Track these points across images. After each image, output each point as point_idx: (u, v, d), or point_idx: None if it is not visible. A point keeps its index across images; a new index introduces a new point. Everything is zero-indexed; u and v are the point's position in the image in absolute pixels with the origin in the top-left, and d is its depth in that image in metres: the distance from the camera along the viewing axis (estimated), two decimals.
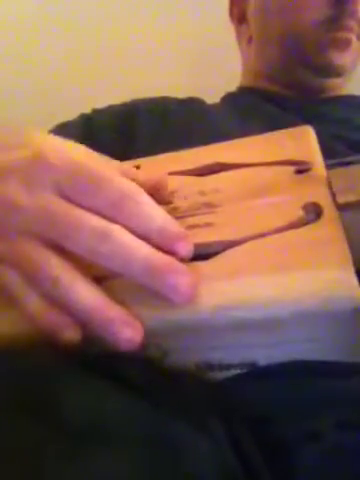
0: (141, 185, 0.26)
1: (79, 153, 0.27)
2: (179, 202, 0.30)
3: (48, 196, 0.25)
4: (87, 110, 0.59)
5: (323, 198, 0.27)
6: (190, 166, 0.33)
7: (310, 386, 0.28)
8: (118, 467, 0.20)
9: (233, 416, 0.26)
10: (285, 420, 0.26)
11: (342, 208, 0.26)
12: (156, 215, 0.25)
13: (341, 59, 0.56)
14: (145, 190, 0.26)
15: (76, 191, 0.25)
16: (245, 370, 0.27)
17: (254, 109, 0.57)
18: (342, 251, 0.24)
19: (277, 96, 0.59)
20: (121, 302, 0.25)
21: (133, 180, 0.26)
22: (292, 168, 0.30)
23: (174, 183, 0.32)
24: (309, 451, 0.25)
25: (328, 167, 0.29)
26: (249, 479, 0.23)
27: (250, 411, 0.27)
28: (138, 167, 0.35)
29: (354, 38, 0.56)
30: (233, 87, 0.66)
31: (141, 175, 0.29)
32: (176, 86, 0.67)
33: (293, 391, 0.28)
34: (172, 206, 0.30)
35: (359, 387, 0.28)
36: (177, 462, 0.21)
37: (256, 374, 0.27)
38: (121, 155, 0.36)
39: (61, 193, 0.25)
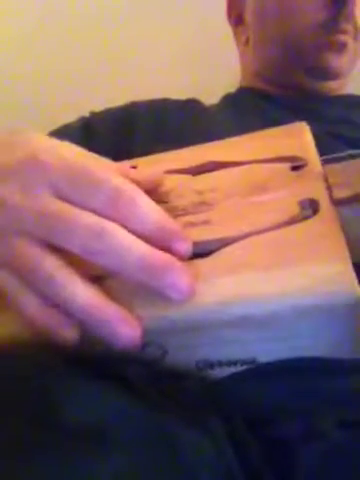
0: (137, 184, 0.26)
1: (74, 153, 0.27)
2: (176, 201, 0.30)
3: (43, 196, 0.25)
4: (87, 111, 0.59)
5: (319, 194, 0.27)
6: (186, 165, 0.33)
7: (311, 385, 0.28)
8: (118, 467, 0.20)
9: (233, 416, 0.26)
10: (286, 419, 0.26)
11: (338, 203, 0.26)
12: (153, 214, 0.25)
13: (338, 62, 0.56)
14: (142, 189, 0.26)
15: (72, 191, 0.25)
16: (245, 367, 0.27)
17: (253, 109, 0.57)
18: (340, 246, 0.24)
19: (276, 96, 0.59)
20: (120, 301, 0.25)
21: (130, 179, 0.26)
22: (288, 164, 0.30)
23: (170, 182, 0.32)
24: (310, 450, 0.25)
25: (324, 163, 0.29)
26: (249, 479, 0.23)
27: (251, 410, 0.27)
28: (134, 167, 0.35)
29: (350, 41, 0.56)
30: (233, 87, 0.66)
31: (137, 174, 0.29)
32: (176, 86, 0.67)
33: (294, 390, 0.28)
34: (169, 205, 0.30)
35: None
36: (177, 462, 0.21)
37: (256, 372, 0.27)
38: (120, 158, 0.37)
39: (57, 193, 0.25)
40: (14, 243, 0.25)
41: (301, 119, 0.34)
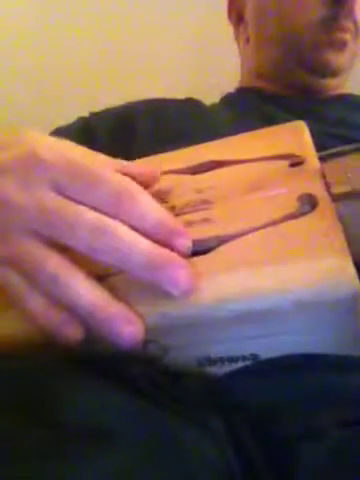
0: (133, 179, 0.26)
1: (73, 150, 0.27)
2: (175, 200, 0.31)
3: (45, 193, 0.25)
4: (86, 111, 0.59)
5: (318, 189, 0.28)
6: (185, 165, 0.33)
7: (311, 382, 0.28)
8: (119, 466, 0.20)
9: (234, 414, 0.26)
10: (286, 417, 0.26)
11: (337, 199, 0.26)
12: (154, 211, 0.25)
13: (337, 59, 0.56)
14: (139, 185, 0.26)
15: (72, 188, 0.25)
16: (246, 363, 0.27)
17: (252, 109, 0.57)
18: (338, 241, 0.25)
19: (275, 96, 0.59)
20: (123, 299, 0.25)
21: (127, 175, 0.26)
22: (286, 162, 0.30)
23: (170, 182, 0.32)
24: (311, 449, 0.24)
25: (321, 159, 0.29)
26: (250, 477, 0.23)
27: (251, 409, 0.26)
28: None
29: (350, 38, 0.56)
30: (233, 87, 0.66)
31: (132, 169, 0.29)
32: (176, 86, 0.67)
33: (294, 388, 0.27)
34: (168, 204, 0.30)
35: None
36: (178, 461, 0.21)
37: (257, 370, 0.27)
38: (119, 158, 0.37)
39: (58, 190, 0.25)
40: (17, 241, 0.25)
41: (301, 120, 0.34)
